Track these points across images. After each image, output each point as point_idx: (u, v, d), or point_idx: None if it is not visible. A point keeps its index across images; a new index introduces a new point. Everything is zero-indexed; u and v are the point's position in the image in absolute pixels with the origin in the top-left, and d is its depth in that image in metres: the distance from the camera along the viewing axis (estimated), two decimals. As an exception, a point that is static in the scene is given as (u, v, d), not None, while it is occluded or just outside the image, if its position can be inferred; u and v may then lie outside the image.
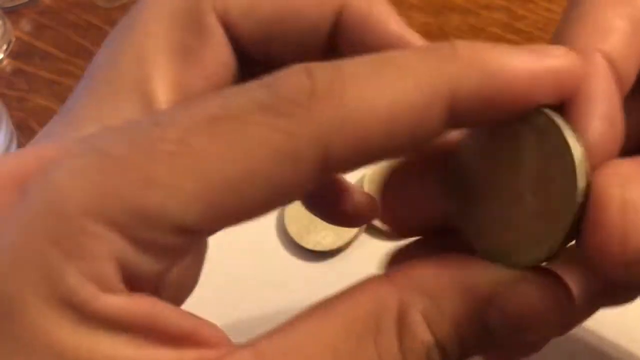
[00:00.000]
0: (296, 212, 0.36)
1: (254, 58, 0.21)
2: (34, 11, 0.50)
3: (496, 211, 0.17)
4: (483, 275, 0.15)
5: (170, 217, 0.14)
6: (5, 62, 0.47)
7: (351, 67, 0.15)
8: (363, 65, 0.15)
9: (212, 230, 0.15)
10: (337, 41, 0.20)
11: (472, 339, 0.15)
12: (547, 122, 0.15)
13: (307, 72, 0.14)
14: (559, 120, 0.15)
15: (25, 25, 0.49)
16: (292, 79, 0.14)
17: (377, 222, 0.37)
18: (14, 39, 0.48)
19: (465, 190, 0.18)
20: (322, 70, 0.14)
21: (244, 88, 0.15)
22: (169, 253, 0.15)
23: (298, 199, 0.15)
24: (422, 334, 0.15)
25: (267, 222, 0.37)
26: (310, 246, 0.36)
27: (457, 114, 0.15)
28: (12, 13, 0.49)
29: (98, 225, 0.14)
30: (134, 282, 0.15)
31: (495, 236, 0.17)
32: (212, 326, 0.16)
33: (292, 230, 0.36)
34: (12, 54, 0.47)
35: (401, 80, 0.14)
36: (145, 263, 0.15)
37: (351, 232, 0.36)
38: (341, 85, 0.14)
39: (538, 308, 0.15)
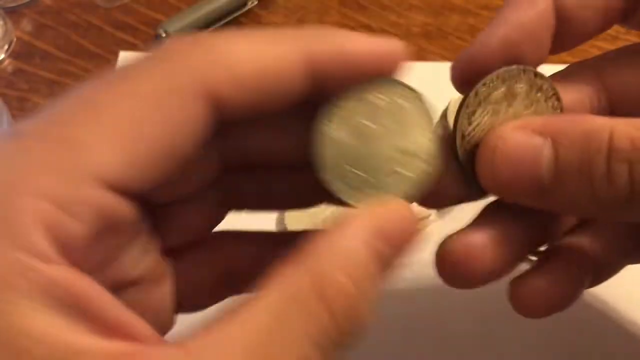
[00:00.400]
0: (297, 212, 0.36)
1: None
2: (34, 11, 0.50)
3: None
4: (369, 217, 0.18)
5: (86, 167, 0.15)
6: (6, 62, 0.47)
7: (225, 33, 0.19)
8: (235, 32, 0.19)
9: (134, 183, 0.16)
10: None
11: (378, 274, 0.18)
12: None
13: (188, 35, 0.18)
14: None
15: (26, 25, 0.49)
16: (175, 40, 0.18)
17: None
18: (14, 39, 0.48)
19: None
20: (200, 34, 0.18)
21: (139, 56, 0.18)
22: (96, 213, 0.16)
23: (202, 143, 0.18)
24: (346, 289, 0.17)
25: (267, 222, 0.37)
26: (310, 246, 0.36)
27: (317, 74, 0.19)
28: (13, 13, 0.49)
29: (23, 197, 0.15)
30: (70, 254, 0.15)
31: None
32: (143, 322, 0.16)
33: (293, 230, 0.36)
34: (12, 54, 0.47)
35: (266, 39, 0.19)
36: (75, 226, 0.15)
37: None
38: (215, 40, 0.18)
39: (403, 226, 0.19)
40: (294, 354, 0.16)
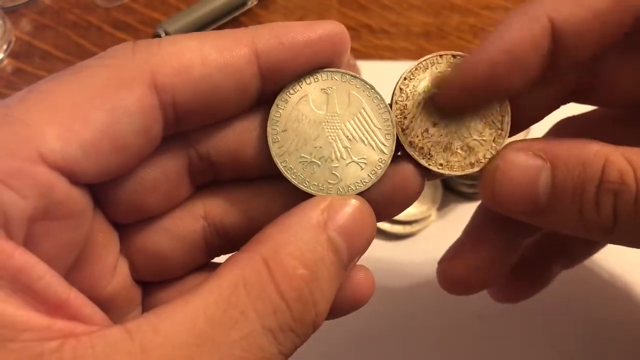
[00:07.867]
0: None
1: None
2: (34, 11, 0.50)
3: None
4: (316, 207, 0.19)
5: (27, 144, 0.16)
6: (5, 62, 0.47)
7: (172, 36, 0.20)
8: (182, 35, 0.20)
9: (78, 166, 0.17)
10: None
11: (335, 266, 0.18)
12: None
13: (133, 41, 0.19)
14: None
15: (26, 25, 0.49)
16: (123, 44, 0.19)
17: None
18: (14, 39, 0.48)
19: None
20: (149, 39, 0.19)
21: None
22: (37, 189, 0.16)
23: (154, 138, 0.19)
24: (298, 272, 0.17)
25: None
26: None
27: (264, 67, 0.19)
28: (13, 13, 0.49)
29: None
30: (12, 230, 0.15)
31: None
32: (91, 304, 0.16)
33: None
34: (12, 54, 0.47)
35: (211, 36, 0.19)
36: (15, 199, 0.15)
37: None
38: (161, 40, 0.19)
39: (362, 223, 0.19)
40: (242, 333, 0.16)
